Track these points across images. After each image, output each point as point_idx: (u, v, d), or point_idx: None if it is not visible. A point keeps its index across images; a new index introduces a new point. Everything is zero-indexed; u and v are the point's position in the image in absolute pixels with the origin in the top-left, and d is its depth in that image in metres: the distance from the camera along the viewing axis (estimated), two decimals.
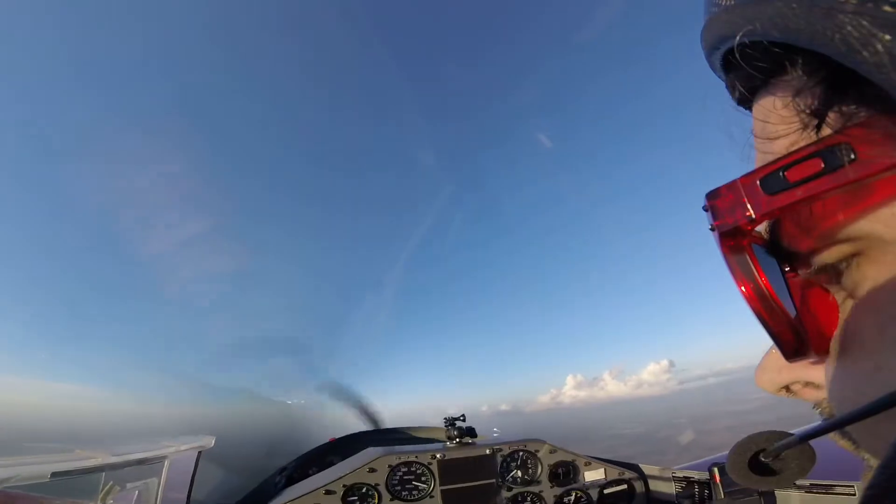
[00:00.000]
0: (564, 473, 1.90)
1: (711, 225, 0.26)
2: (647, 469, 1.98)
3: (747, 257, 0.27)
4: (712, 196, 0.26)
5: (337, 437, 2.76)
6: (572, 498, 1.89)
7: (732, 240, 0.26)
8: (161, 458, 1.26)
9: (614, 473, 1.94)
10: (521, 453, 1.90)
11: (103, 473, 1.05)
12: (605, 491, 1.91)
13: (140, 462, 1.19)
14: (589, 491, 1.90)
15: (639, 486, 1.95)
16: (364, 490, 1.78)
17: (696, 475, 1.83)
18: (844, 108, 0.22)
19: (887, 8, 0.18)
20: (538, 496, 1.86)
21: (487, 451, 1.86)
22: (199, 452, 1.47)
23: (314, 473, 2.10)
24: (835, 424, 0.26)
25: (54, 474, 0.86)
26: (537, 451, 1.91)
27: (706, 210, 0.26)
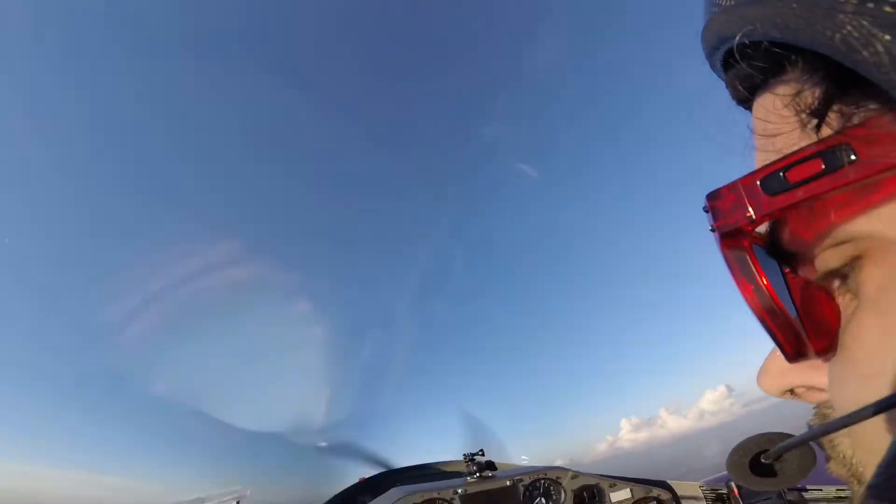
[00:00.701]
0: (589, 497, 1.87)
1: (712, 226, 0.26)
2: (676, 485, 1.93)
3: (748, 258, 0.27)
4: (712, 197, 0.26)
5: (366, 476, 2.81)
6: None
7: (733, 241, 0.26)
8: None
9: (641, 493, 1.90)
10: (542, 481, 1.89)
11: None
12: None
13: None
14: None
15: (669, 501, 1.89)
16: None
17: (724, 489, 1.77)
18: (845, 109, 0.22)
19: (887, 8, 0.18)
20: None
21: (508, 483, 1.86)
22: (238, 501, 1.53)
23: None
24: (834, 427, 0.26)
25: None
26: (559, 478, 1.90)
27: (706, 211, 0.26)
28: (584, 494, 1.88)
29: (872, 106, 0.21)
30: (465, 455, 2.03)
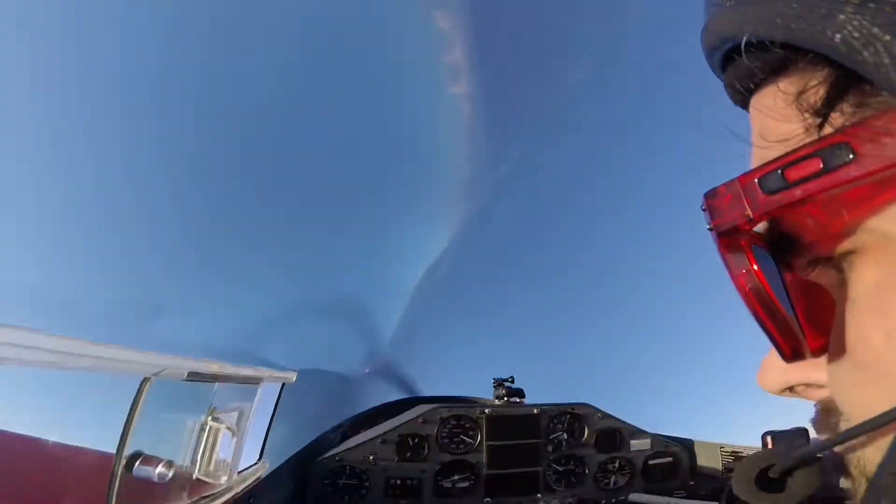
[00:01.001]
0: (610, 440, 1.94)
1: (709, 225, 0.27)
2: (697, 444, 1.99)
3: (745, 257, 0.27)
4: (710, 196, 0.26)
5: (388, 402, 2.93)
6: (616, 465, 1.94)
7: (730, 240, 0.26)
8: (258, 380, 1.42)
9: (661, 445, 1.97)
10: (568, 416, 1.95)
11: (216, 385, 1.21)
12: (650, 462, 1.95)
13: (245, 380, 1.35)
14: (633, 460, 1.95)
15: (684, 459, 1.97)
16: (417, 440, 1.91)
17: (744, 449, 1.83)
18: (844, 108, 0.22)
19: (888, 8, 0.19)
20: (580, 459, 1.91)
21: (535, 411, 1.93)
22: (283, 384, 1.62)
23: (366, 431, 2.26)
24: (844, 438, 0.26)
25: (190, 374, 1.00)
26: (585, 414, 1.96)
27: (704, 210, 0.27)
28: (606, 436, 1.95)
29: (872, 105, 0.21)
30: (494, 379, 2.10)
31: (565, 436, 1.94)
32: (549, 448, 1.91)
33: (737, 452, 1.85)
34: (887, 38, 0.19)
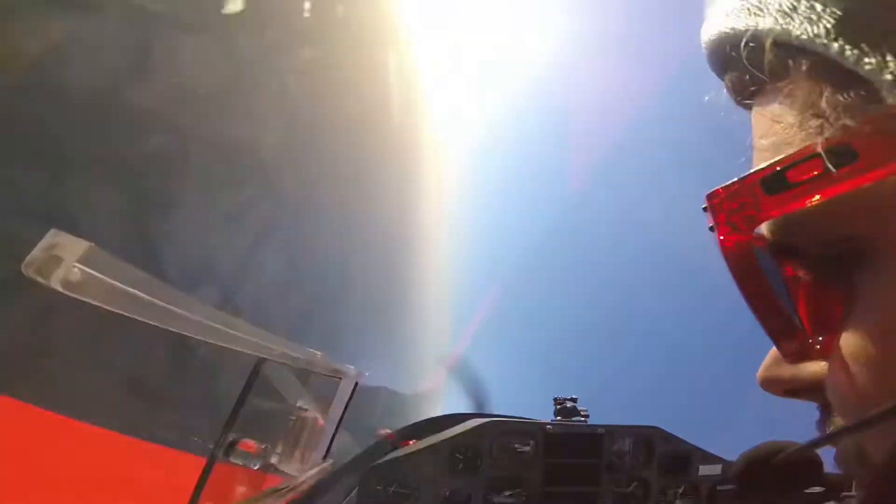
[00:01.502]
0: (677, 464, 1.85)
1: (711, 225, 0.27)
2: None
3: (747, 258, 0.27)
4: (712, 196, 0.26)
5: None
6: (680, 490, 1.85)
7: (733, 240, 0.26)
8: (342, 374, 1.44)
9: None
10: (633, 437, 1.89)
11: (308, 375, 1.23)
12: (718, 487, 1.84)
13: (333, 373, 1.37)
14: (699, 485, 1.85)
15: None
16: (469, 453, 1.86)
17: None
18: (845, 109, 0.22)
19: (888, 9, 0.19)
20: (643, 483, 1.83)
21: (599, 431, 1.87)
22: (357, 383, 1.63)
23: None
24: (841, 433, 0.27)
25: (293, 359, 1.03)
26: (653, 437, 1.89)
27: (706, 211, 0.27)
28: (673, 460, 1.87)
29: (873, 107, 0.21)
30: (555, 399, 2.05)
31: (629, 458, 1.86)
32: (611, 470, 1.84)
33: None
34: (888, 38, 0.19)
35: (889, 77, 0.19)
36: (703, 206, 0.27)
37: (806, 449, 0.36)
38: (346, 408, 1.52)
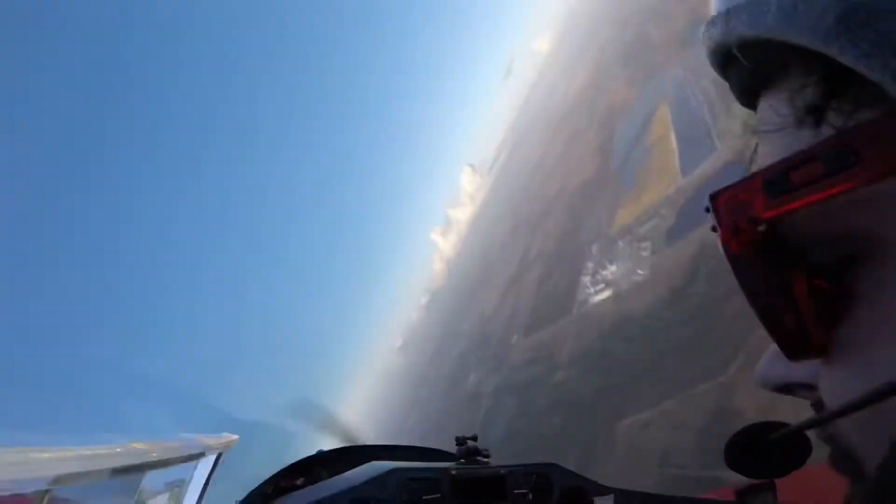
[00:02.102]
0: (575, 499, 1.90)
1: (714, 226, 0.27)
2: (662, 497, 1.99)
3: (750, 259, 0.27)
4: (715, 197, 0.27)
5: (323, 449, 2.68)
6: None
7: (735, 241, 0.27)
8: (198, 455, 1.25)
9: (624, 500, 1.95)
10: (533, 476, 1.90)
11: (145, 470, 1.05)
12: None
13: (185, 459, 1.18)
14: None
15: None
16: None
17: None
18: (846, 109, 0.22)
19: (887, 9, 0.19)
20: None
21: (502, 472, 1.86)
22: (220, 453, 1.45)
23: (303, 485, 2.04)
24: (829, 416, 0.28)
25: (113, 471, 0.86)
26: (549, 473, 1.91)
27: (709, 211, 0.27)
28: (571, 495, 1.91)
29: (874, 107, 0.22)
30: (457, 438, 2.01)
31: (531, 496, 1.87)
32: None
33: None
34: (888, 38, 0.19)
35: (890, 78, 0.19)
36: (706, 206, 0.27)
37: (797, 431, 0.36)
38: (206, 483, 1.33)
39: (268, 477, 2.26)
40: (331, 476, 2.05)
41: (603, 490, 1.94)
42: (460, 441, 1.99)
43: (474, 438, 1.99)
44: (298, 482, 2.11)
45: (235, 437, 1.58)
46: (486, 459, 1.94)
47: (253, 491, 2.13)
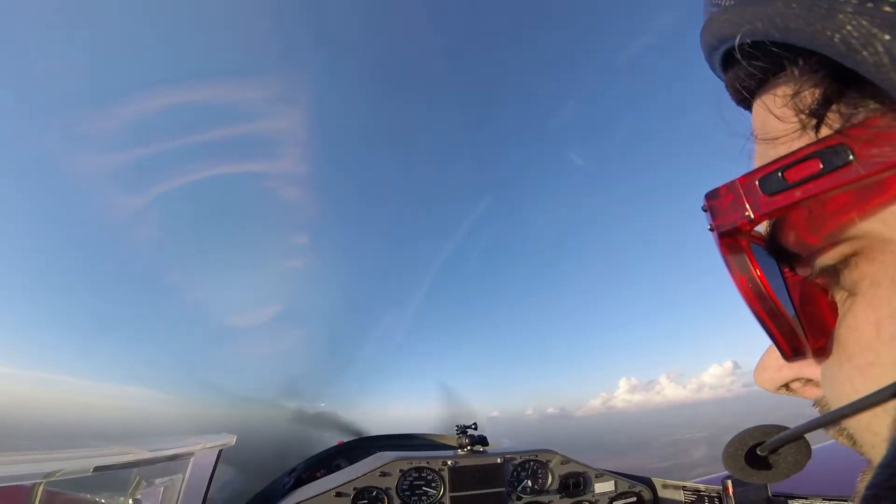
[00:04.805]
0: (574, 484, 1.90)
1: (710, 225, 0.27)
2: (659, 482, 1.99)
3: (746, 257, 0.27)
4: (711, 196, 0.26)
5: (345, 440, 2.78)
6: None
7: (731, 240, 0.26)
8: (188, 455, 1.29)
9: (625, 486, 1.95)
10: (532, 463, 1.91)
11: (136, 469, 1.08)
12: (615, 502, 1.92)
13: (170, 458, 1.22)
14: (598, 502, 1.91)
15: (648, 498, 1.95)
16: (374, 494, 1.79)
17: (705, 488, 1.84)
18: (844, 109, 0.22)
19: (887, 8, 0.18)
20: None
21: (498, 460, 1.87)
22: (220, 451, 1.49)
23: (322, 476, 2.12)
24: (829, 419, 0.27)
25: (97, 468, 0.89)
26: (549, 461, 1.92)
27: (705, 210, 0.27)
28: (570, 481, 1.91)
29: (871, 106, 0.21)
30: (457, 426, 2.03)
31: (529, 483, 1.89)
32: (514, 496, 1.85)
33: (698, 490, 1.85)
34: (886, 37, 0.18)
35: (886, 76, 0.19)
36: (703, 206, 0.27)
37: (797, 435, 0.36)
38: (210, 480, 1.37)
39: (288, 468, 2.35)
40: (350, 465, 2.13)
41: (603, 476, 1.94)
42: (460, 429, 2.01)
43: (474, 427, 2.01)
44: (319, 473, 2.19)
45: (234, 436, 1.62)
46: (483, 448, 1.95)
47: (272, 483, 2.22)
